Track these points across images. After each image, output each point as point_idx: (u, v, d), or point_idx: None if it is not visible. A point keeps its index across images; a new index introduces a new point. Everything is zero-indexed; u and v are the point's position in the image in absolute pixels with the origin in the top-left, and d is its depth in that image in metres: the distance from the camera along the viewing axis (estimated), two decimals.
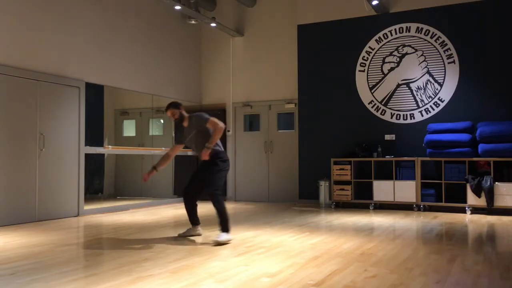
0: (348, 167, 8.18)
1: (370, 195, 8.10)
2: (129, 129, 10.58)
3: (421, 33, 8.20)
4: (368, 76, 8.59)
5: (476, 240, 5.16)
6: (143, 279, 3.33)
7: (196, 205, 5.11)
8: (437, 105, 8.05)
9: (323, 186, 8.49)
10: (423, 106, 8.15)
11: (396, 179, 7.88)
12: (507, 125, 7.19)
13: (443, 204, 7.56)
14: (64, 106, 7.17)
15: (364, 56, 8.63)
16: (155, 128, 10.54)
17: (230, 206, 8.77)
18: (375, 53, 8.55)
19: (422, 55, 8.18)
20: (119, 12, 8.36)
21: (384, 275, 3.42)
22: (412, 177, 7.76)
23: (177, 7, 8.39)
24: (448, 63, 8.00)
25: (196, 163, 10.24)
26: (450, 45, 7.99)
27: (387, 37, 8.46)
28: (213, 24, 9.39)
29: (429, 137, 7.62)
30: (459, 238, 5.11)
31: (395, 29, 8.40)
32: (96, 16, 7.85)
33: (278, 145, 9.75)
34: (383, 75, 8.47)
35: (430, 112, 8.10)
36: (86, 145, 7.49)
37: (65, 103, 7.20)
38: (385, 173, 8.10)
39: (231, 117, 10.14)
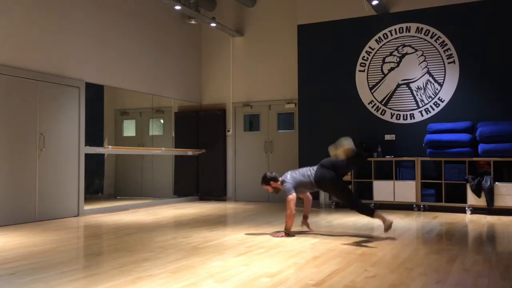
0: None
1: (370, 195, 8.10)
2: (129, 129, 10.58)
3: (421, 33, 8.20)
4: (368, 76, 8.59)
5: (476, 240, 5.16)
6: (143, 279, 3.33)
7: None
8: (437, 105, 8.05)
9: None
10: (423, 106, 8.15)
11: (396, 179, 7.88)
12: (507, 125, 7.19)
13: (443, 204, 7.56)
14: (64, 106, 7.17)
15: (364, 56, 8.63)
16: (155, 128, 10.55)
17: (230, 206, 8.78)
18: (375, 53, 8.55)
19: (422, 55, 8.18)
20: (119, 12, 8.36)
21: (384, 275, 3.42)
22: (412, 177, 7.76)
23: (177, 7, 8.40)
24: (448, 63, 8.00)
25: (196, 163, 10.24)
26: (450, 45, 7.99)
27: (387, 37, 8.46)
28: (213, 24, 9.39)
29: (429, 137, 7.62)
30: (459, 238, 5.11)
31: (395, 29, 8.40)
32: (96, 16, 7.85)
33: (278, 145, 9.75)
34: (383, 75, 8.47)
35: (430, 112, 8.10)
36: (86, 145, 7.49)
37: (65, 103, 7.20)
38: (385, 173, 8.10)
39: (231, 117, 10.15)
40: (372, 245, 4.64)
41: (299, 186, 5.24)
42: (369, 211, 5.07)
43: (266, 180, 5.38)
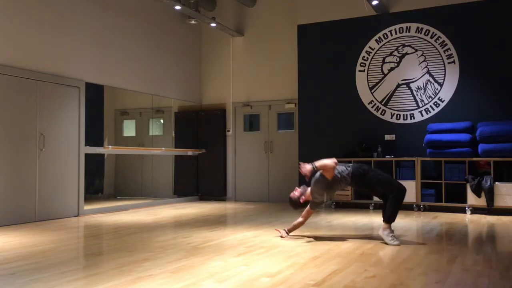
0: None
1: (370, 195, 8.09)
2: (129, 129, 10.58)
3: (421, 33, 8.20)
4: (368, 76, 8.58)
5: (476, 240, 5.16)
6: (143, 279, 3.33)
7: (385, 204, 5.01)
8: (437, 105, 8.05)
9: None
10: (423, 106, 8.15)
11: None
12: (507, 125, 7.19)
13: (443, 204, 7.55)
14: (64, 106, 7.17)
15: (364, 56, 8.63)
16: (155, 128, 10.55)
17: (230, 206, 8.78)
18: (375, 53, 8.54)
19: (422, 55, 8.18)
20: (119, 12, 8.36)
21: (384, 275, 3.42)
22: (412, 177, 7.75)
23: (177, 7, 8.39)
24: (448, 63, 8.00)
25: (196, 163, 10.24)
26: (450, 45, 7.98)
27: (387, 37, 8.46)
28: (213, 24, 9.39)
29: (429, 137, 7.62)
30: (459, 238, 5.11)
31: (395, 29, 8.40)
32: (96, 16, 7.85)
33: (278, 145, 9.74)
34: (383, 75, 8.47)
35: (430, 112, 8.10)
36: (86, 145, 7.49)
37: (65, 103, 7.20)
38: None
39: (231, 117, 10.15)
40: (372, 245, 4.64)
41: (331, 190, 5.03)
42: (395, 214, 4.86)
43: (296, 206, 5.17)
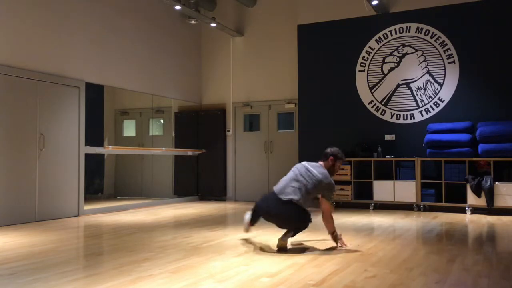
0: (348, 167, 8.18)
1: (370, 195, 8.10)
2: (129, 129, 10.58)
3: (421, 33, 8.20)
4: (368, 76, 8.58)
5: (476, 240, 5.16)
6: (143, 279, 3.33)
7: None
8: (437, 105, 8.05)
9: None
10: (423, 106, 8.15)
11: (396, 179, 7.88)
12: (507, 125, 7.19)
13: (443, 204, 7.56)
14: (64, 106, 7.17)
15: (364, 56, 8.63)
16: (155, 128, 10.55)
17: (230, 206, 8.78)
18: (375, 53, 8.54)
19: (422, 55, 8.18)
20: (119, 12, 8.36)
21: (384, 275, 3.42)
22: (412, 177, 7.76)
23: (177, 7, 8.40)
24: (448, 63, 8.00)
25: (196, 163, 10.24)
26: (450, 45, 7.98)
27: (387, 37, 8.46)
28: (213, 24, 9.39)
29: (429, 137, 7.62)
30: (459, 238, 5.11)
31: (395, 29, 8.40)
32: (96, 16, 7.85)
33: (278, 145, 9.74)
34: (383, 75, 8.47)
35: (430, 112, 8.09)
36: (86, 145, 7.49)
37: (65, 103, 7.20)
38: (385, 173, 8.10)
39: (231, 117, 10.14)
40: (372, 245, 4.64)
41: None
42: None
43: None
